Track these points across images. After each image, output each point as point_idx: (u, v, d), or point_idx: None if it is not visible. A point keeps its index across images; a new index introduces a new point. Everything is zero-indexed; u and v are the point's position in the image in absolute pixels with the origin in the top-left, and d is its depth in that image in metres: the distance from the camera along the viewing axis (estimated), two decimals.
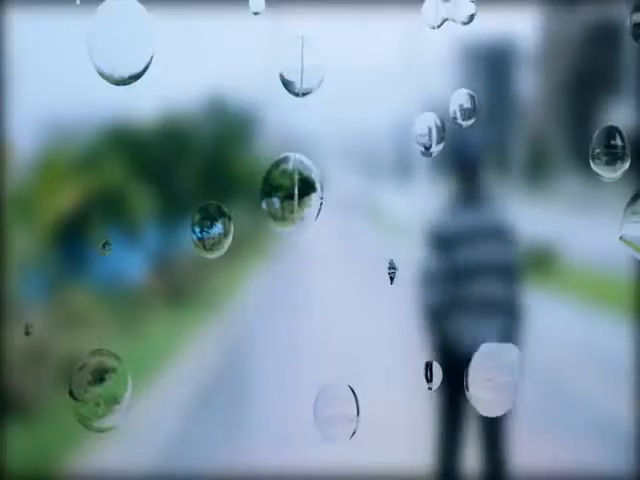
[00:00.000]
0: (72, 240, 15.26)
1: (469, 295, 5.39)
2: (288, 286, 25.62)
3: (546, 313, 17.13)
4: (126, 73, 1.08)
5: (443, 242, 5.44)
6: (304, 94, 1.19)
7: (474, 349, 3.75)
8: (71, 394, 1.16)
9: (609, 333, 14.92)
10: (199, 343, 15.17)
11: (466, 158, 5.50)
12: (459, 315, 5.38)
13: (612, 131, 1.03)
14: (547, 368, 11.71)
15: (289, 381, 11.50)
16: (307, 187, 1.21)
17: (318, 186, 1.21)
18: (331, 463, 8.02)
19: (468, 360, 3.93)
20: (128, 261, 22.07)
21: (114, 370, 1.18)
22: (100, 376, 1.18)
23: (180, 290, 20.90)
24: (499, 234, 5.51)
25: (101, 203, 14.75)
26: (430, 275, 5.49)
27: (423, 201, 24.04)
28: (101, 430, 1.20)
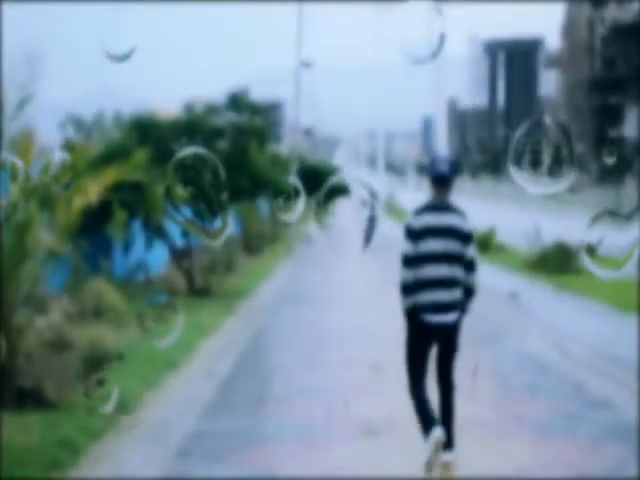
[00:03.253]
0: (96, 232, 15.33)
1: (431, 274, 7.34)
2: (309, 272, 25.68)
3: (567, 313, 17.07)
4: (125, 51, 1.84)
5: (414, 235, 7.39)
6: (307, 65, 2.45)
7: (434, 315, 6.93)
8: (85, 394, 1.80)
9: (624, 332, 14.86)
10: (222, 334, 15.20)
11: (436, 177, 7.43)
12: (424, 289, 7.34)
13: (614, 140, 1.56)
14: (563, 366, 11.67)
15: (311, 372, 11.52)
16: (297, 193, 2.01)
17: (302, 193, 1.96)
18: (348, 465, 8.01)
19: (431, 323, 6.78)
20: (151, 253, 22.16)
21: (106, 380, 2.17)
22: (101, 383, 2.16)
23: (203, 282, 20.96)
24: (455, 231, 7.36)
25: (124, 196, 14.79)
26: (405, 260, 7.41)
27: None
28: (103, 414, 2.63)
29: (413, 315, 7.40)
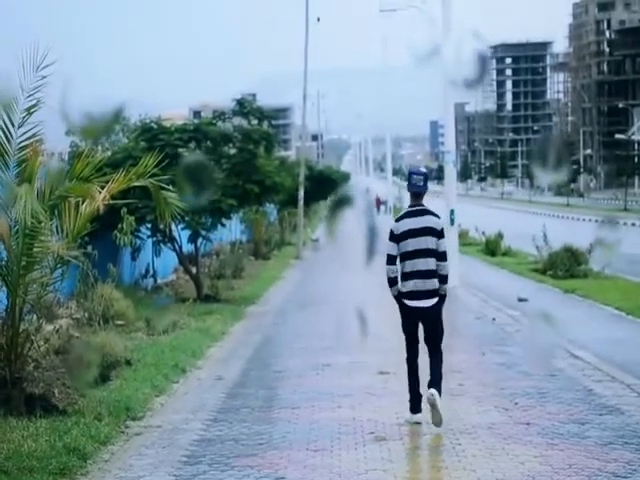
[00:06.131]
0: (104, 238, 15.33)
1: (413, 268, 9.15)
2: (317, 278, 25.68)
3: (577, 316, 17.03)
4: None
5: (397, 236, 9.22)
6: None
7: (414, 301, 9.19)
8: None
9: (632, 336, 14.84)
10: (230, 340, 15.19)
11: (414, 191, 9.36)
12: (407, 280, 9.19)
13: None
14: (572, 371, 11.64)
15: (320, 379, 11.51)
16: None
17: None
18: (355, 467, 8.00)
19: (411, 307, 9.10)
20: (159, 259, 22.16)
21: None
22: None
23: (211, 288, 20.97)
24: (430, 230, 9.22)
25: (132, 202, 14.78)
26: (390, 257, 9.24)
27: (446, 203, 24.00)
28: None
29: (399, 301, 9.27)
